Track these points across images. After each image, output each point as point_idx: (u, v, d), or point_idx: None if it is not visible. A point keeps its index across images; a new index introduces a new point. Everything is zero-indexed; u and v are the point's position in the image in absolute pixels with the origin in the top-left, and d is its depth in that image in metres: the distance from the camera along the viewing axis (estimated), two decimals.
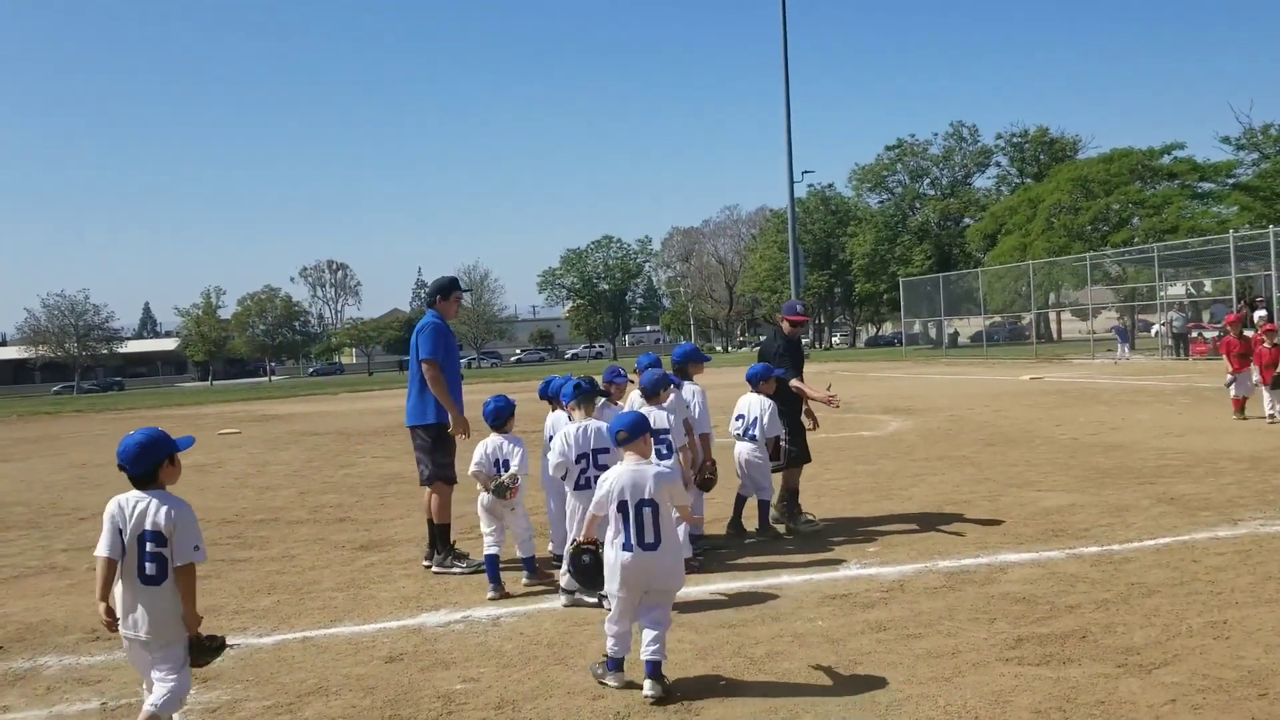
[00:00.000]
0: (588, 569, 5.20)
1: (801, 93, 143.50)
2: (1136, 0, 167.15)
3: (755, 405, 8.17)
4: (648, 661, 4.72)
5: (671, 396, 7.31)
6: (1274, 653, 4.77)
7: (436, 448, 7.56)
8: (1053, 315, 62.22)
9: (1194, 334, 33.28)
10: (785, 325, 8.78)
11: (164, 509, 4.16)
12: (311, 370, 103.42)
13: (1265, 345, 14.25)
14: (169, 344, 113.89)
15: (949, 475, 10.86)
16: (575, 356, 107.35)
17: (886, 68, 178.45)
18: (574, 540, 5.55)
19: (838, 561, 7.15)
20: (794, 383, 8.47)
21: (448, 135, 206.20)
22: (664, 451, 7.08)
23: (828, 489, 10.12)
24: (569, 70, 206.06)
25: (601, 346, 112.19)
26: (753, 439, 8.10)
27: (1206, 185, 52.90)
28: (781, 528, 8.32)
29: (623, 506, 4.88)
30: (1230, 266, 31.11)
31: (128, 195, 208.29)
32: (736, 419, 8.28)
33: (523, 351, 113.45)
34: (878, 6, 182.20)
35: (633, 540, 4.83)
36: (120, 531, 4.18)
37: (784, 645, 5.30)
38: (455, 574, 7.33)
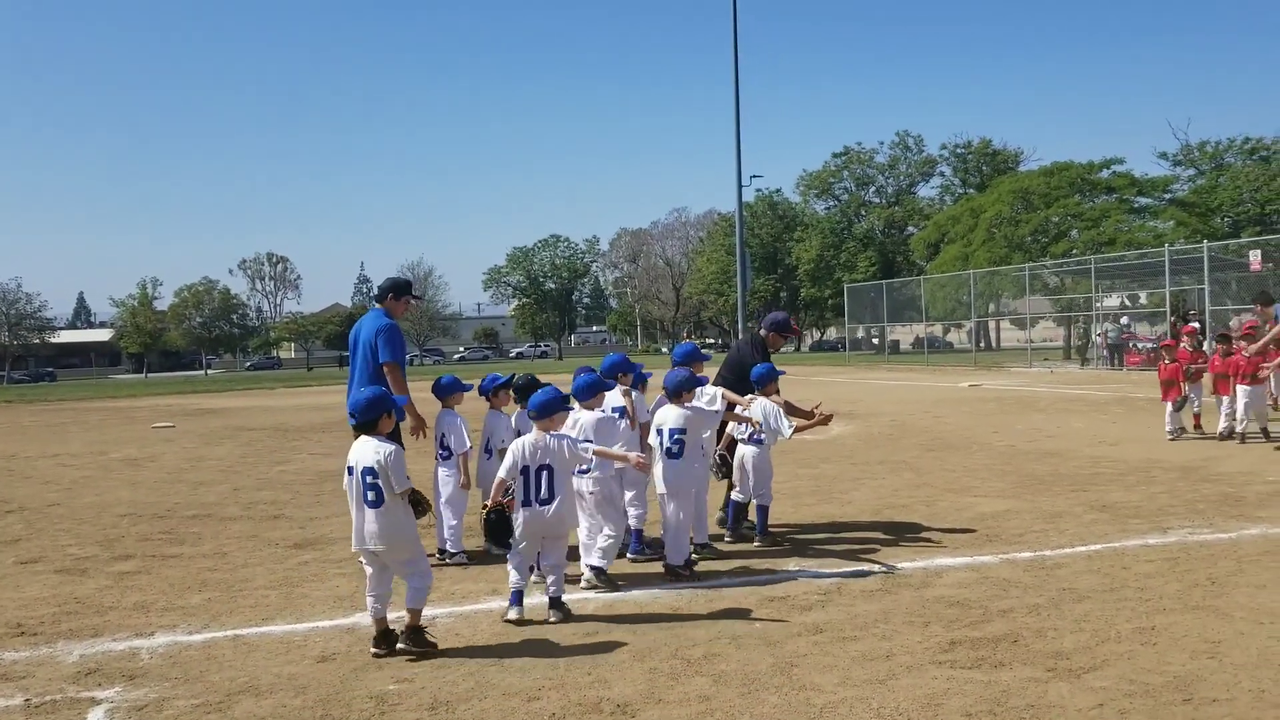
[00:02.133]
0: (496, 527, 6.06)
1: (751, 97, 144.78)
2: (1081, 16, 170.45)
3: (759, 408, 7.86)
4: (550, 596, 5.90)
5: (707, 394, 7.46)
6: (1199, 659, 4.87)
7: None
8: (992, 324, 63.23)
9: (1140, 344, 33.97)
10: (776, 338, 8.72)
11: (379, 451, 5.35)
12: (248, 364, 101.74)
13: (1165, 361, 13.97)
14: (103, 335, 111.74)
15: (888, 479, 10.97)
16: (520, 355, 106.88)
17: (835, 75, 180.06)
18: (484, 504, 6.29)
19: (777, 564, 7.18)
20: (778, 399, 8.29)
21: (393, 130, 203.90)
22: (674, 450, 6.98)
23: None
24: (518, 68, 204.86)
25: (547, 346, 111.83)
26: (758, 442, 7.86)
27: (1144, 200, 54.05)
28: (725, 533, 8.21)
29: (524, 471, 5.88)
30: (1165, 280, 31.82)
31: (64, 182, 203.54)
32: (741, 423, 7.95)
33: (466, 349, 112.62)
34: (829, 14, 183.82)
35: (532, 498, 5.86)
36: (350, 469, 5.43)
37: (721, 647, 5.30)
38: None
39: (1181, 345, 14.46)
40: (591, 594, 6.44)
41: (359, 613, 6.16)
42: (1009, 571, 6.72)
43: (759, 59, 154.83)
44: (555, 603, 5.91)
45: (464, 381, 8.04)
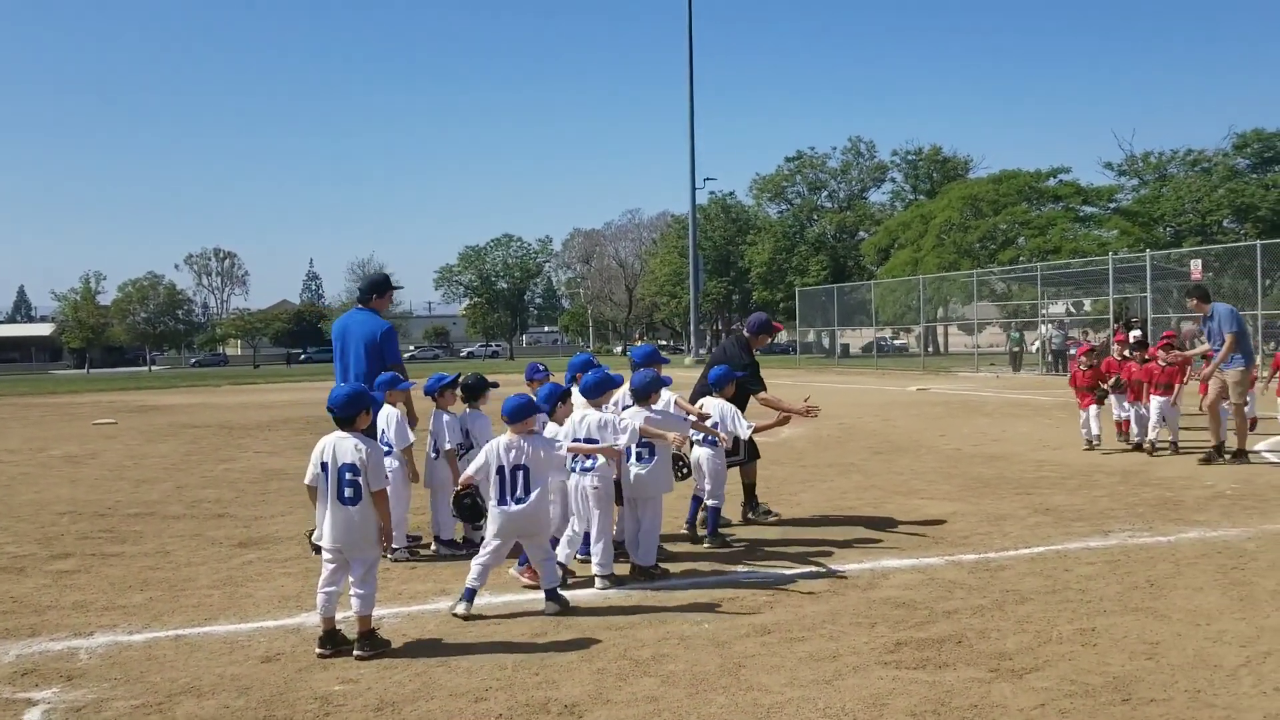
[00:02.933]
0: (469, 508, 6.09)
1: (705, 100, 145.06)
2: (1031, 26, 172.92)
3: (716, 409, 7.99)
4: (544, 589, 6.02)
5: (663, 399, 7.40)
6: (1138, 660, 4.96)
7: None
8: (940, 329, 64.01)
9: (1072, 350, 34.51)
10: (761, 339, 9.03)
11: (360, 449, 5.41)
12: (194, 361, 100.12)
13: (1082, 368, 13.43)
14: (44, 329, 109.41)
15: (837, 482, 11.05)
16: (471, 355, 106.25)
17: (790, 80, 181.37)
18: (455, 489, 6.30)
19: (725, 565, 7.21)
20: (764, 396, 8.51)
21: (346, 127, 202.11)
22: (644, 455, 6.97)
23: None
24: (473, 68, 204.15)
25: (498, 346, 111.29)
26: (711, 444, 7.89)
27: (1089, 209, 55.07)
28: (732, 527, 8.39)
29: (500, 471, 5.98)
30: (1109, 287, 32.42)
31: (6, 174, 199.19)
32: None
33: (416, 348, 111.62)
34: (785, 18, 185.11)
35: (507, 497, 5.95)
36: (325, 465, 5.42)
37: (670, 648, 5.31)
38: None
39: (1110, 354, 14.04)
40: (539, 595, 6.41)
41: (304, 612, 6.10)
42: (954, 573, 6.80)
43: (714, 61, 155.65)
44: (551, 594, 6.03)
45: (403, 380, 7.91)
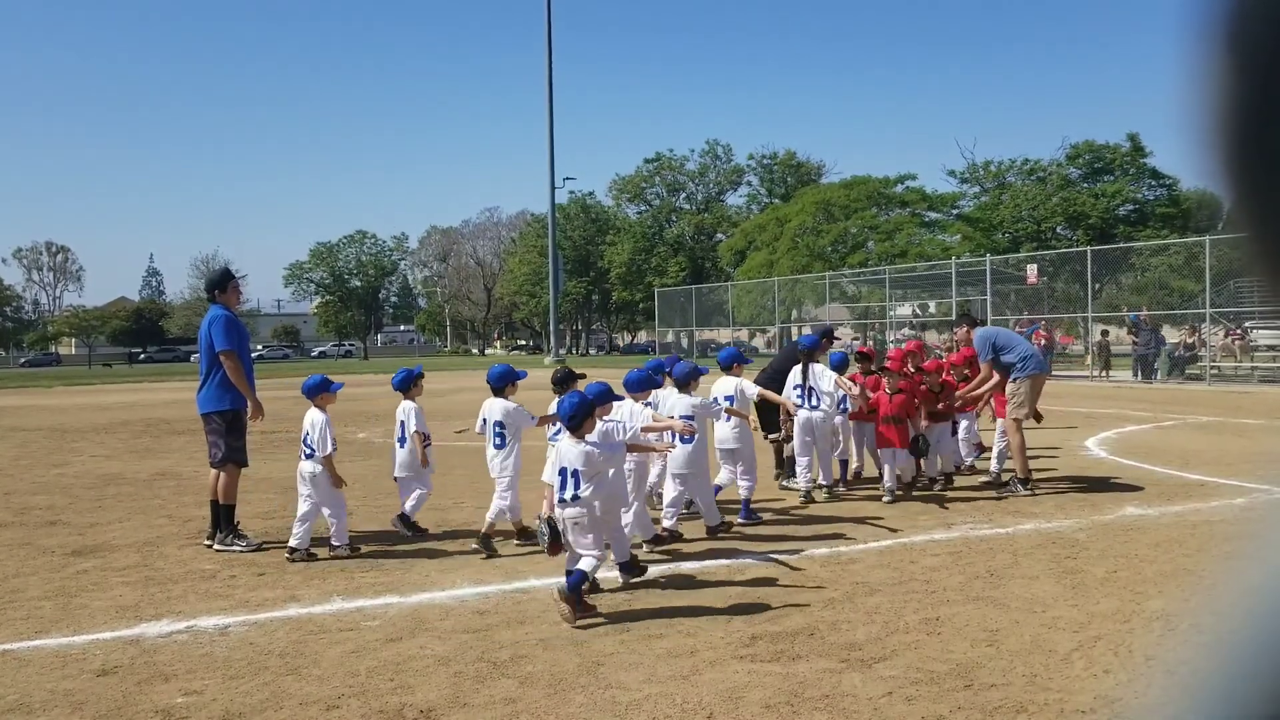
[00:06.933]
0: (554, 537, 6.14)
1: (565, 100, 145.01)
2: (879, 36, 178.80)
3: (848, 384, 9.54)
4: (618, 564, 6.46)
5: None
6: (979, 647, 5.17)
7: (230, 431, 7.98)
8: (794, 330, 65.53)
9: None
10: (825, 345, 10.60)
11: (506, 409, 7.66)
12: (23, 360, 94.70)
13: (886, 389, 9.81)
14: None
15: None
16: (323, 355, 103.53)
17: (648, 82, 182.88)
18: (540, 516, 6.36)
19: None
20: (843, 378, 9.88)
21: (187, 115, 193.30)
22: (685, 438, 7.65)
23: None
24: (326, 58, 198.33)
25: (352, 345, 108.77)
26: (844, 412, 10.01)
27: (933, 214, 57.24)
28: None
29: (561, 473, 6.12)
30: (952, 290, 33.75)
31: None
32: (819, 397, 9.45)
33: (265, 348, 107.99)
34: (644, 21, 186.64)
35: (565, 496, 6.06)
36: (484, 420, 7.70)
37: (529, 649, 5.28)
38: (235, 551, 7.63)
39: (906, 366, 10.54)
40: (393, 599, 6.30)
41: (144, 623, 5.85)
42: (807, 567, 6.97)
43: (573, 62, 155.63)
44: (624, 567, 6.51)
45: (334, 383, 7.97)
